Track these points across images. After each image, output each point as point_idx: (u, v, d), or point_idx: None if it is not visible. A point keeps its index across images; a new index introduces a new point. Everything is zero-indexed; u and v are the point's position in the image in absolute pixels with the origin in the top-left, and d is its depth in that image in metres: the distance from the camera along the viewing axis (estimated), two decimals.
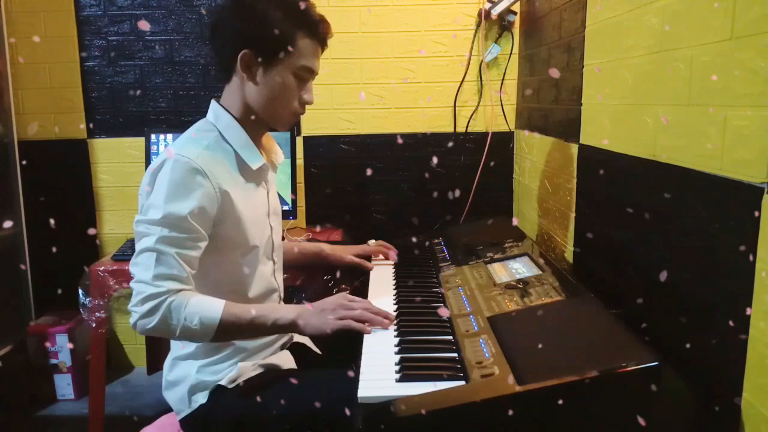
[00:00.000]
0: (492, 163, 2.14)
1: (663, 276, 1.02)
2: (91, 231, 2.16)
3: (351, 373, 0.93)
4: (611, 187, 1.27)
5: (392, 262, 1.51)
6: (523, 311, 1.06)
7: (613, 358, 0.82)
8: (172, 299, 0.99)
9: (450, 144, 2.16)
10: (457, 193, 2.15)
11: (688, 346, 0.92)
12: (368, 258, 1.52)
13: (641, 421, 0.78)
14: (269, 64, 1.08)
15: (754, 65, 0.78)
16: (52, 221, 2.11)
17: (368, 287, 1.33)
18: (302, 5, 1.08)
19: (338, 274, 1.50)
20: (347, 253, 1.49)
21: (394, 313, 1.13)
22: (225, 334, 1.04)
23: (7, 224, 2.06)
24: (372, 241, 1.57)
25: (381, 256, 1.53)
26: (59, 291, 1.71)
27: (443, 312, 1.10)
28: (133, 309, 1.00)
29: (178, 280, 1.01)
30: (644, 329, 0.93)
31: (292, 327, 1.07)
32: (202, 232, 1.04)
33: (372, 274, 1.44)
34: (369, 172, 2.18)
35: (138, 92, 2.15)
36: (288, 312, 1.07)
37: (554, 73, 1.62)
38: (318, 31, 1.11)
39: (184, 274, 1.01)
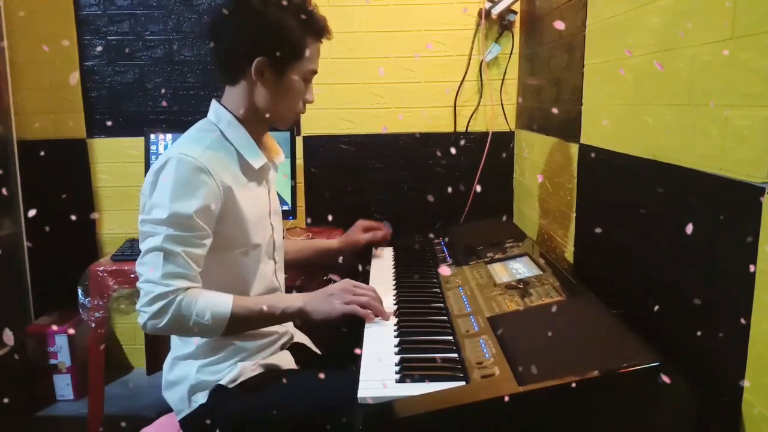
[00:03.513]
0: (492, 163, 2.13)
1: (663, 276, 1.02)
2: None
3: (351, 374, 0.93)
4: (612, 187, 1.26)
5: (392, 260, 1.51)
6: (523, 311, 1.06)
7: (613, 359, 0.82)
8: (182, 297, 1.00)
9: (450, 144, 2.15)
10: (457, 193, 2.15)
11: (688, 346, 0.92)
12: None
13: (642, 422, 0.78)
14: (282, 70, 1.10)
15: (755, 65, 0.78)
16: (51, 221, 2.11)
17: None
18: (308, 8, 1.10)
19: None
20: (356, 235, 1.49)
21: (394, 314, 1.14)
22: (236, 327, 1.05)
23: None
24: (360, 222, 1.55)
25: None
26: (58, 291, 1.71)
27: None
28: (142, 309, 1.00)
29: (186, 278, 1.01)
30: (645, 329, 0.93)
31: (300, 314, 1.09)
32: (207, 230, 1.04)
33: (372, 274, 1.44)
34: (369, 172, 2.18)
35: (138, 92, 2.14)
36: (295, 300, 1.10)
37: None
38: (323, 33, 1.13)
39: (192, 273, 1.02)
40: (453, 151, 2.15)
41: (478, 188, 2.13)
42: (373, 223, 1.53)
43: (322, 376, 1.13)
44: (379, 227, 1.53)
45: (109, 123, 2.16)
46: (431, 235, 1.70)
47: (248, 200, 1.12)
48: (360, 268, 1.22)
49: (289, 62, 1.10)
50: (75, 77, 2.09)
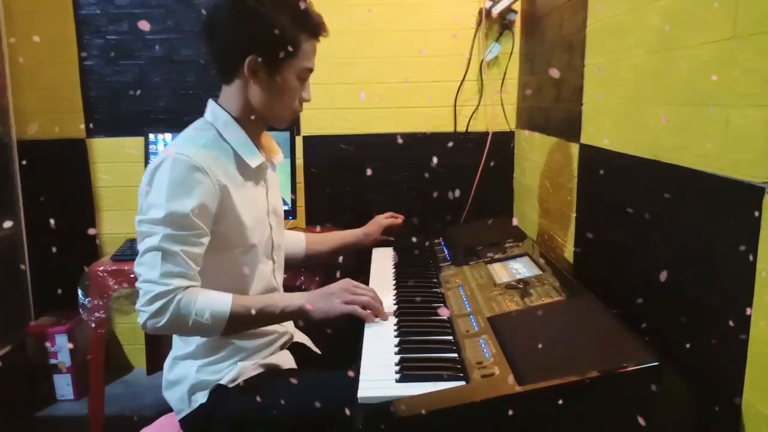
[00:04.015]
0: (492, 163, 2.13)
1: (663, 276, 1.02)
2: (91, 231, 2.15)
3: (351, 373, 0.93)
4: (612, 187, 1.27)
5: (392, 261, 1.52)
6: (523, 311, 1.06)
7: (613, 359, 0.82)
8: (181, 296, 1.00)
9: (450, 144, 2.15)
10: (457, 193, 2.14)
11: (688, 346, 0.92)
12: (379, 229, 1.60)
13: (641, 422, 0.78)
14: (275, 68, 1.09)
15: (755, 65, 0.78)
16: (51, 221, 2.11)
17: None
18: (303, 6, 1.09)
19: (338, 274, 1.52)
20: (376, 227, 1.56)
21: (395, 314, 1.14)
22: (235, 326, 1.05)
23: (7, 224, 2.06)
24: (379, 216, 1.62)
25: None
26: (59, 291, 1.70)
27: (443, 312, 1.10)
28: (141, 309, 1.00)
29: (185, 277, 1.01)
30: (645, 329, 0.93)
31: (300, 313, 1.10)
32: (204, 228, 1.04)
33: (372, 273, 1.44)
34: (369, 172, 2.17)
35: (137, 92, 2.14)
36: (295, 299, 1.10)
37: (554, 72, 1.62)
38: (318, 31, 1.12)
39: (191, 272, 1.02)
40: (453, 151, 2.15)
41: (479, 188, 2.13)
42: (388, 220, 1.60)
43: (322, 376, 1.13)
44: (397, 216, 1.62)
45: (108, 123, 2.16)
46: (431, 236, 1.70)
47: (245, 200, 1.12)
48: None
49: (282, 60, 1.09)
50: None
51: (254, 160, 1.14)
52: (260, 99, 1.12)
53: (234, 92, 1.13)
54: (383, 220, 1.58)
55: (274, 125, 1.18)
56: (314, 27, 1.11)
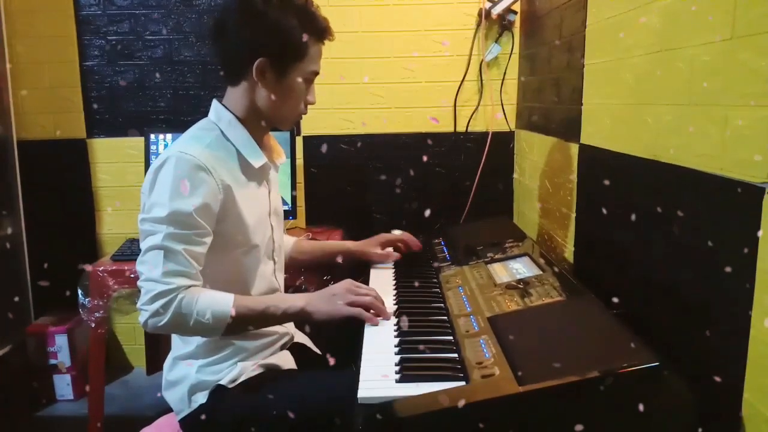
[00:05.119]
0: (492, 163, 2.13)
1: (663, 276, 1.02)
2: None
3: (351, 374, 0.93)
4: (612, 187, 1.27)
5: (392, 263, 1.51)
6: (523, 311, 1.06)
7: (613, 359, 0.82)
8: (182, 296, 1.00)
9: (450, 144, 2.16)
10: (457, 193, 2.15)
11: (688, 346, 0.92)
12: (393, 247, 1.50)
13: (642, 422, 0.78)
14: (283, 71, 1.10)
15: (755, 65, 0.78)
16: (51, 221, 2.11)
17: None
18: (311, 10, 1.10)
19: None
20: (371, 247, 1.47)
21: (395, 314, 1.14)
22: (236, 326, 1.05)
23: (7, 224, 2.05)
24: (397, 231, 1.55)
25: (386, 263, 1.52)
26: (58, 291, 1.70)
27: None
28: (142, 308, 1.00)
29: (187, 276, 1.01)
30: (645, 329, 0.93)
31: (302, 314, 1.09)
32: (207, 228, 1.05)
33: (372, 274, 1.44)
34: (369, 172, 2.18)
35: (138, 92, 2.15)
36: (297, 300, 1.10)
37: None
38: (325, 35, 1.13)
39: (193, 270, 1.02)
40: (453, 151, 2.15)
41: (478, 188, 2.13)
42: (393, 240, 1.51)
43: (322, 376, 1.13)
44: (401, 241, 1.50)
45: (108, 123, 2.16)
46: (431, 236, 1.70)
47: (248, 200, 1.12)
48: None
49: (290, 63, 1.10)
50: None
51: (257, 160, 1.15)
52: (267, 101, 1.12)
53: (240, 94, 1.13)
54: (374, 247, 1.47)
55: (278, 127, 1.19)
56: (321, 31, 1.12)
